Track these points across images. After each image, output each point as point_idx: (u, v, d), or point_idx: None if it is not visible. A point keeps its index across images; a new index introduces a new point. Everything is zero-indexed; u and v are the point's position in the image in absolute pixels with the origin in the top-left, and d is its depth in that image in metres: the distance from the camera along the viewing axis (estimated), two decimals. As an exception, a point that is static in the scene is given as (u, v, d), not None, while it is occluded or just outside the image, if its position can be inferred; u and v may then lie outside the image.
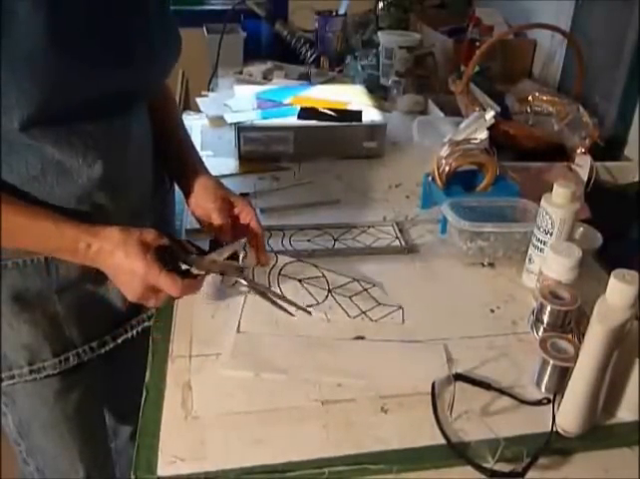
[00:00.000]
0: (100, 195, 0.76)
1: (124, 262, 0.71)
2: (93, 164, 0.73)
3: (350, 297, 0.84)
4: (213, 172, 0.92)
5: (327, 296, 0.84)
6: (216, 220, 0.84)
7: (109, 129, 0.75)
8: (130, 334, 0.90)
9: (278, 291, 0.81)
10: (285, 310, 0.79)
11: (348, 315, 0.82)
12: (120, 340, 0.89)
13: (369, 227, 1.03)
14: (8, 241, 0.71)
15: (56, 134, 0.70)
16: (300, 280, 0.85)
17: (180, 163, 0.92)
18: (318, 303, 0.83)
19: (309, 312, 0.79)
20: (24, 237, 0.72)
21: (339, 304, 0.83)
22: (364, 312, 0.82)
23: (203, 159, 0.94)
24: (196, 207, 0.88)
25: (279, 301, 0.79)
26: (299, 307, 0.79)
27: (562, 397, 0.66)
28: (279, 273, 0.85)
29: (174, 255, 0.74)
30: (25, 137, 0.68)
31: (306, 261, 0.89)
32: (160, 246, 0.72)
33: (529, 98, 1.39)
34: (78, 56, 0.66)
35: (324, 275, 0.87)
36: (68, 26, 0.64)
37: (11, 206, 0.69)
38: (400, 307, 0.83)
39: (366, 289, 0.86)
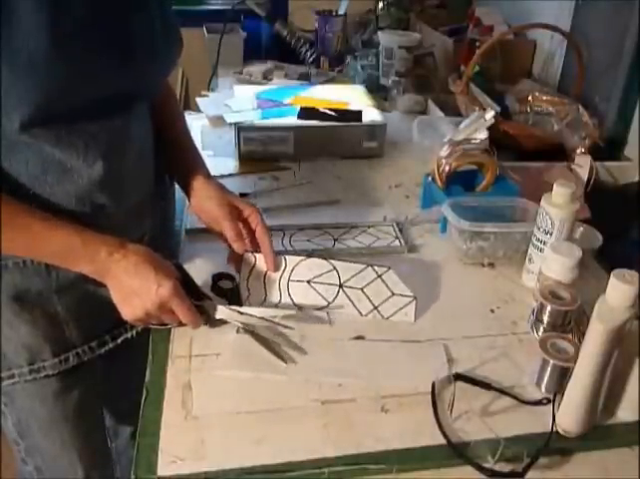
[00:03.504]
0: (100, 194, 0.76)
1: (149, 276, 0.71)
2: (93, 164, 0.73)
3: (362, 289, 0.82)
4: (213, 172, 0.92)
5: (338, 293, 0.83)
6: (228, 229, 0.83)
7: (109, 128, 0.75)
8: (129, 334, 0.89)
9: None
10: (278, 356, 0.75)
11: (360, 314, 0.81)
12: (119, 340, 0.88)
13: (369, 227, 1.03)
14: (20, 249, 0.72)
15: (57, 133, 0.70)
16: (309, 281, 0.84)
17: (180, 160, 0.92)
18: (328, 304, 0.82)
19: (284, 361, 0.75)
20: (42, 243, 0.71)
21: (351, 301, 0.82)
22: (376, 308, 0.82)
23: (204, 158, 0.94)
24: (201, 211, 0.88)
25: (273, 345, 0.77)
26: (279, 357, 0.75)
27: (562, 397, 0.66)
28: (289, 279, 0.84)
29: (190, 288, 0.76)
30: (26, 136, 0.68)
31: (316, 256, 0.86)
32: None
33: (529, 98, 1.39)
34: (79, 55, 0.66)
35: (335, 268, 0.84)
36: (69, 25, 0.64)
37: (28, 213, 0.69)
38: (414, 298, 0.82)
39: (380, 276, 0.83)
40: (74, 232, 0.71)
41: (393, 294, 0.82)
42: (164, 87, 0.94)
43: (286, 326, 0.78)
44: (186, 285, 0.76)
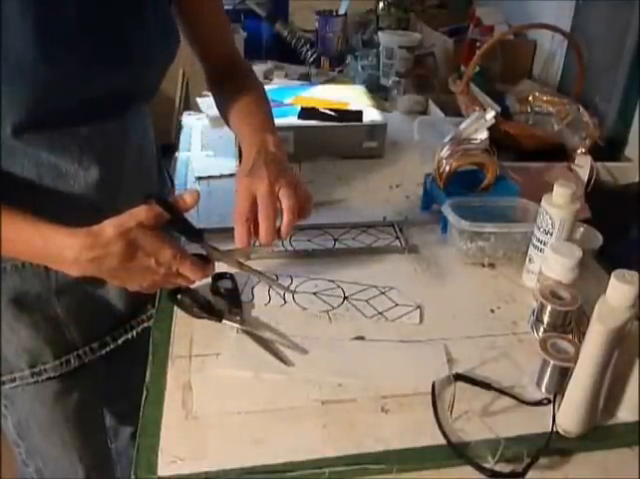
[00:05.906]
0: (98, 198, 0.75)
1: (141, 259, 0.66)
2: (89, 167, 0.73)
3: (367, 301, 0.84)
4: (213, 172, 0.89)
5: (343, 302, 0.84)
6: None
7: (104, 132, 0.74)
8: (130, 335, 0.89)
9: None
10: (279, 358, 0.75)
11: (365, 316, 0.82)
12: (120, 341, 0.89)
13: (369, 227, 1.03)
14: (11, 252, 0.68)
15: (50, 138, 0.69)
16: (315, 293, 0.85)
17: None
18: (333, 308, 0.83)
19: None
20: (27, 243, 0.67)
21: (355, 307, 0.83)
22: (380, 313, 0.82)
23: (204, 158, 0.92)
24: None
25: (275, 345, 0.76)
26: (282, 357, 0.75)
27: (562, 397, 0.66)
28: (294, 291, 0.85)
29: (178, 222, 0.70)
30: (20, 143, 0.67)
31: (320, 278, 0.88)
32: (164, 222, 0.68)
33: (529, 98, 1.38)
34: (68, 60, 0.65)
35: (340, 287, 0.87)
36: (58, 29, 0.63)
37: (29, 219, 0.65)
38: (417, 307, 0.83)
39: (384, 293, 0.86)
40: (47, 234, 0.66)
41: (397, 305, 0.84)
42: (242, 68, 0.93)
43: (281, 285, 0.85)
44: (174, 221, 0.69)
